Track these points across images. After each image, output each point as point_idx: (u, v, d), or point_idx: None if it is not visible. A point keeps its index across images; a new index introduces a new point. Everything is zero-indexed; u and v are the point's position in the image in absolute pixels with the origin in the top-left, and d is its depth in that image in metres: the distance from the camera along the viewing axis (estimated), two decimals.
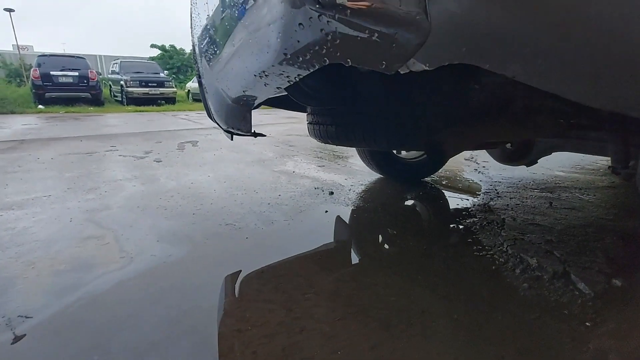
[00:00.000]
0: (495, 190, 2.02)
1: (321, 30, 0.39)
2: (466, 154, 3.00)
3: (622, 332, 0.85)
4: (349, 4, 0.35)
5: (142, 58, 15.36)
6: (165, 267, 1.17)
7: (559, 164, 2.58)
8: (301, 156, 3.03)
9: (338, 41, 0.39)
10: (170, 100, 10.80)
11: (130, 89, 10.14)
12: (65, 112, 8.23)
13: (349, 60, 0.41)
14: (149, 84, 10.40)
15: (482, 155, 2.72)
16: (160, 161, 2.84)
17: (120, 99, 10.77)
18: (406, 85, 1.00)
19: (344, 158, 2.94)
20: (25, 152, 3.24)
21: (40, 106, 8.90)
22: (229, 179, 2.27)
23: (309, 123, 1.34)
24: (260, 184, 2.15)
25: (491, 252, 1.25)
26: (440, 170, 2.38)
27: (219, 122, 1.01)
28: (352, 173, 2.43)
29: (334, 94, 0.79)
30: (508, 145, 1.56)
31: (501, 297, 0.99)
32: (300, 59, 0.44)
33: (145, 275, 1.12)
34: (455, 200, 1.88)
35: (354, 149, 2.45)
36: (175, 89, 11.05)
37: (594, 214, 1.60)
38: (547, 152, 1.57)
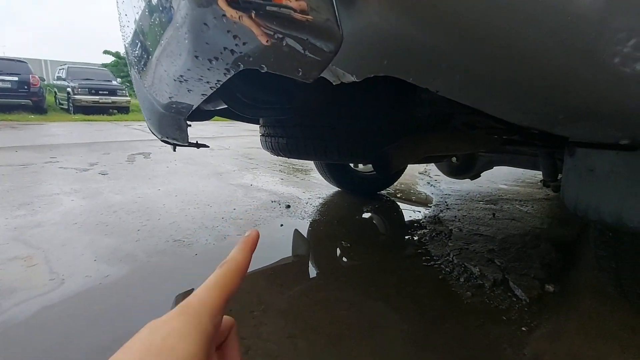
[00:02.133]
0: (445, 202, 2.11)
1: (227, 31, 0.38)
2: (420, 168, 3.14)
3: (555, 335, 0.90)
4: (253, 5, 0.34)
5: (93, 64, 14.49)
6: (101, 289, 1.08)
7: (503, 178, 2.77)
8: (260, 169, 2.98)
9: (246, 44, 0.37)
10: (124, 109, 10.22)
11: (78, 97, 9.46)
12: (1, 120, 7.47)
13: (263, 65, 0.40)
14: (100, 92, 9.78)
15: (434, 169, 2.86)
16: (106, 174, 2.65)
17: (66, 107, 10.01)
18: (354, 99, 1.02)
19: (303, 171, 2.94)
20: None
21: None
22: (181, 192, 2.17)
23: (262, 135, 1.32)
24: (214, 197, 2.07)
25: (439, 262, 1.29)
26: (395, 183, 2.45)
27: (153, 131, 0.96)
28: (310, 186, 2.43)
29: (275, 105, 0.78)
30: (454, 160, 1.65)
31: (448, 306, 1.02)
32: (213, 62, 0.43)
33: (76, 299, 1.02)
34: (409, 213, 1.94)
35: (312, 162, 2.45)
36: (129, 98, 10.47)
37: (531, 223, 1.73)
38: (489, 166, 1.68)
